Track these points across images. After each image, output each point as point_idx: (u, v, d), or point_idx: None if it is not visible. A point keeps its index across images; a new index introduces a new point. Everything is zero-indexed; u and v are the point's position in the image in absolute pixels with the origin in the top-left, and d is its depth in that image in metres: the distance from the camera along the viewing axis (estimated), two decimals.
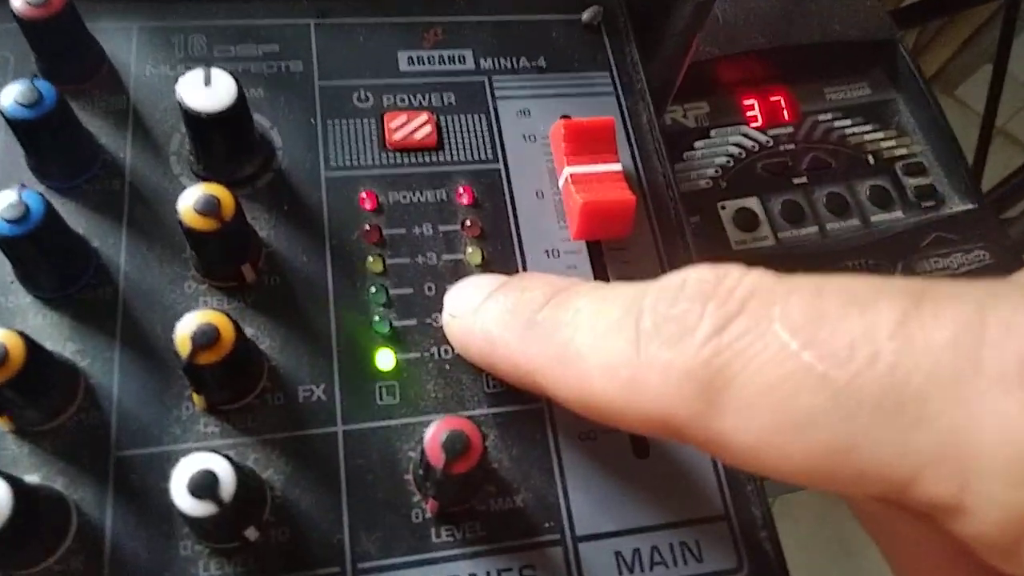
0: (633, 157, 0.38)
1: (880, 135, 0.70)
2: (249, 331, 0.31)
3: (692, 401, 0.21)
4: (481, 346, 0.28)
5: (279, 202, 0.34)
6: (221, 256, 0.31)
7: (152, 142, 0.34)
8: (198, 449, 0.28)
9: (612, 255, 0.36)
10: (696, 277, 0.22)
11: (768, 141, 0.67)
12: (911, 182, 0.67)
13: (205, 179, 0.33)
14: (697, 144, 0.65)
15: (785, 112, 0.69)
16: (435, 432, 0.26)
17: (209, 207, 0.29)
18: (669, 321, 0.22)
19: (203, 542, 0.27)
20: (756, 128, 0.67)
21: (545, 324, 0.26)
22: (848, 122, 0.70)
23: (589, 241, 0.35)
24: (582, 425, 0.31)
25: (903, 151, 0.69)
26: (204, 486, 0.25)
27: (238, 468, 0.25)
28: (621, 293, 0.24)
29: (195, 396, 0.29)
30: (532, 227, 0.35)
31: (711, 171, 0.64)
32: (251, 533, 0.27)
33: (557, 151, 0.36)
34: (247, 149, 0.34)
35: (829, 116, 0.70)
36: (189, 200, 0.29)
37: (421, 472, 0.28)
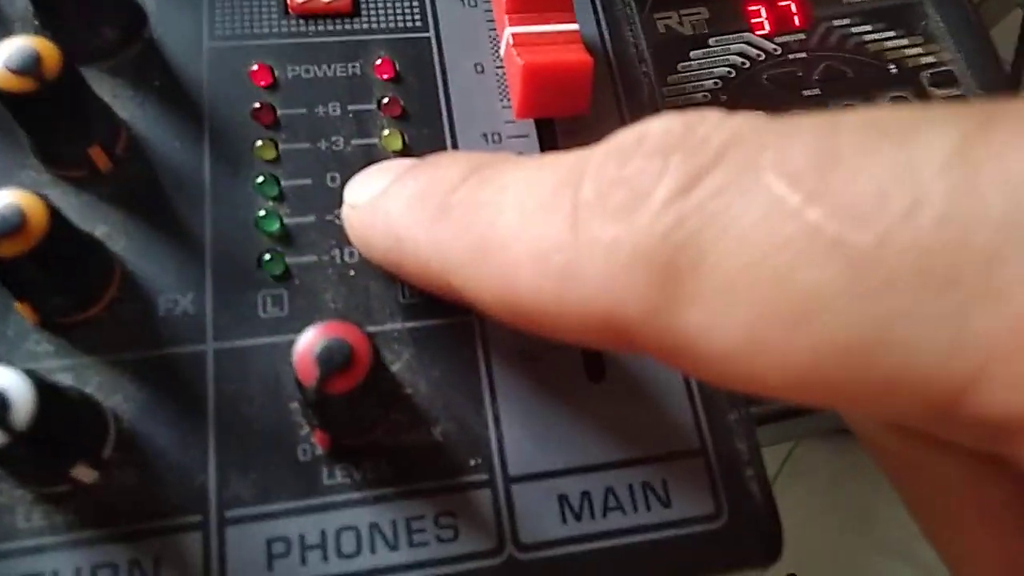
0: (597, 23, 0.31)
1: (904, 41, 0.61)
2: (101, 229, 0.25)
3: (645, 290, 0.15)
4: (384, 242, 0.22)
5: (148, 77, 0.27)
6: (53, 132, 0.24)
7: None
8: (26, 371, 0.22)
9: (568, 140, 0.29)
10: (660, 128, 0.16)
11: (776, 49, 0.59)
12: (939, 93, 0.59)
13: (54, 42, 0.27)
14: (694, 54, 0.57)
15: (796, 18, 0.61)
16: (308, 341, 0.20)
17: (25, 62, 0.22)
18: (617, 186, 0.16)
19: (22, 485, 0.21)
20: (762, 36, 0.59)
21: (461, 207, 0.20)
22: (868, 27, 0.61)
23: (538, 121, 0.29)
24: (523, 341, 0.25)
25: (931, 59, 0.61)
26: None
27: (47, 387, 0.19)
28: (559, 161, 0.18)
29: (19, 306, 0.23)
30: (468, 106, 0.29)
31: (709, 83, 0.56)
32: (84, 473, 0.21)
33: (498, 11, 0.29)
34: (107, 12, 0.27)
35: (846, 21, 0.61)
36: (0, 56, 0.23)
37: (300, 395, 0.22)
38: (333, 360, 0.20)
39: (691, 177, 0.15)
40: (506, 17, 0.28)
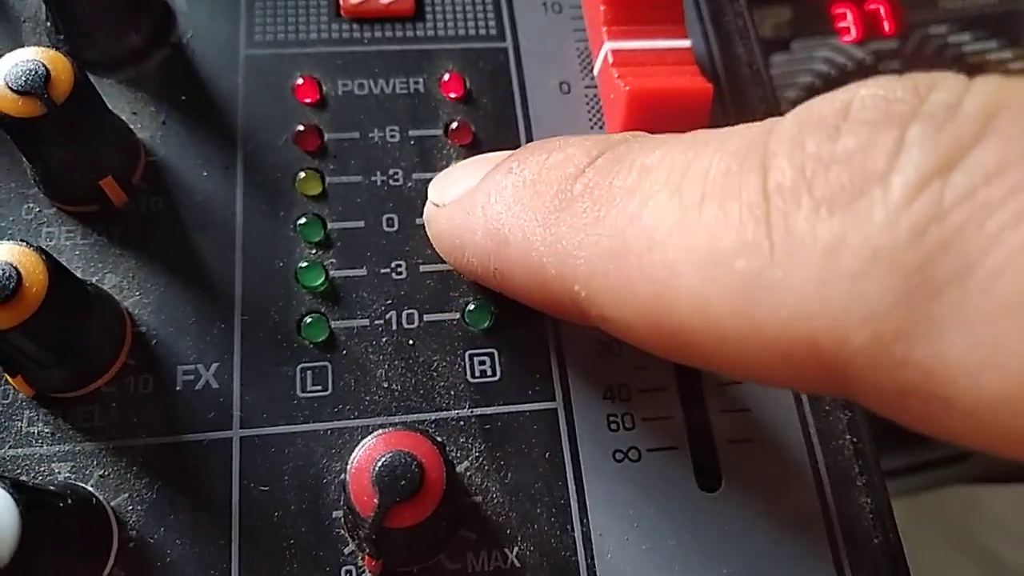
0: (705, 36, 0.26)
1: (1008, 54, 0.55)
2: (111, 279, 0.20)
3: (884, 311, 0.11)
4: (483, 245, 0.18)
5: (174, 90, 0.23)
6: (63, 163, 0.20)
7: None
8: (15, 458, 0.18)
9: None
10: (873, 92, 0.12)
11: (865, 58, 0.53)
12: None
13: (68, 55, 0.22)
14: (775, 59, 0.52)
15: (886, 23, 0.55)
16: (364, 458, 0.16)
17: (30, 82, 0.18)
18: (832, 164, 0.12)
19: None
20: (850, 42, 0.54)
21: (589, 196, 0.15)
22: (967, 36, 0.55)
23: None
24: (616, 442, 0.20)
25: None
26: None
27: (35, 504, 0.15)
28: (727, 135, 0.14)
29: (10, 378, 0.19)
30: (551, 133, 0.23)
31: (792, 93, 0.51)
32: None
33: (593, 20, 0.24)
34: (129, 12, 0.23)
35: (943, 29, 0.55)
36: (0, 72, 0.18)
37: (350, 514, 0.17)
38: (398, 487, 0.15)
39: (948, 153, 0.11)
40: (604, 30, 0.23)
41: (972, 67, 0.55)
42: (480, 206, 0.18)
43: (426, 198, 0.22)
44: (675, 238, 0.13)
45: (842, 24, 0.55)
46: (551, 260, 0.16)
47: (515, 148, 0.23)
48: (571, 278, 0.15)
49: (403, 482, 0.15)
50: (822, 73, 0.52)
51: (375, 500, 0.15)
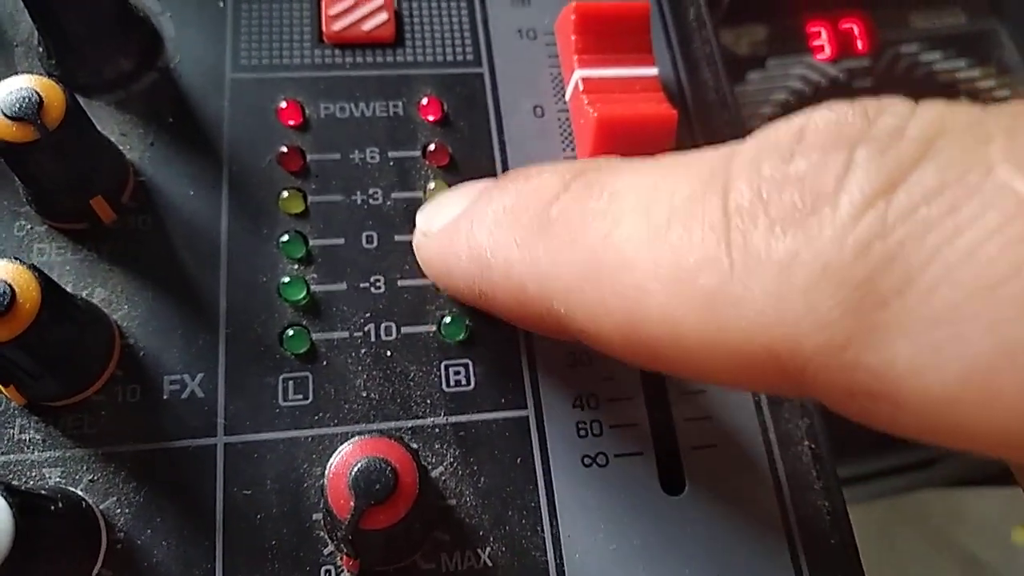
0: (674, 64, 0.27)
1: (977, 72, 0.57)
2: (100, 293, 0.21)
3: (832, 318, 0.12)
4: (469, 269, 0.19)
5: (161, 112, 0.24)
6: (56, 184, 0.21)
7: None
8: (7, 464, 0.19)
9: None
10: (826, 118, 0.13)
11: (839, 76, 0.55)
12: None
13: (58, 79, 0.23)
14: (751, 76, 0.53)
15: (859, 42, 0.56)
16: (341, 464, 0.17)
17: (24, 109, 0.19)
18: (784, 187, 0.13)
19: None
20: (824, 60, 0.55)
21: (564, 219, 0.16)
22: (938, 55, 0.57)
23: None
24: (584, 447, 0.21)
25: (1006, 92, 0.56)
26: None
27: (28, 508, 0.16)
28: (691, 160, 0.15)
29: (2, 388, 0.20)
30: (525, 156, 0.25)
31: (767, 109, 0.52)
32: None
33: (565, 49, 0.25)
34: (119, 37, 0.24)
35: (915, 47, 0.57)
36: None
37: (328, 517, 0.18)
38: (373, 491, 0.16)
39: (891, 174, 0.12)
40: (575, 58, 0.24)
41: (942, 85, 0.56)
42: (464, 233, 0.19)
43: (404, 217, 0.23)
44: (644, 258, 0.14)
45: (816, 42, 0.56)
46: (531, 280, 0.17)
47: (491, 170, 0.25)
48: (550, 297, 0.16)
49: (378, 486, 0.16)
50: (796, 90, 0.53)
51: (351, 503, 0.16)
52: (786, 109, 0.52)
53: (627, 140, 0.23)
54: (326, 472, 0.17)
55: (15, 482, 0.19)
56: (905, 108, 0.13)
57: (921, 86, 0.55)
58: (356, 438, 0.17)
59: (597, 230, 0.15)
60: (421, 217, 0.22)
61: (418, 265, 0.23)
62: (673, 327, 0.14)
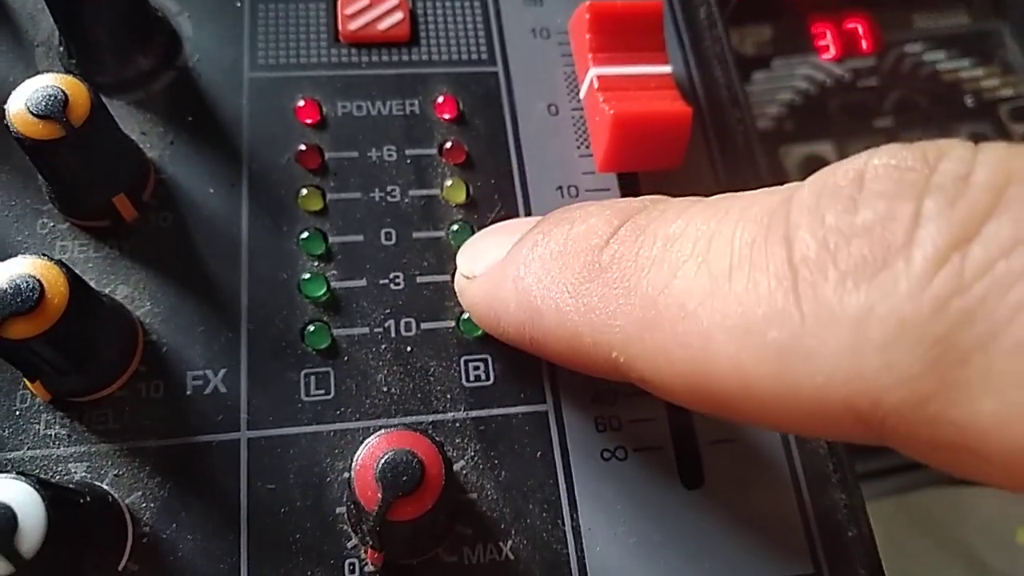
0: (686, 63, 0.27)
1: (980, 71, 0.57)
2: (122, 290, 0.21)
3: (912, 373, 0.12)
4: (518, 315, 0.18)
5: (181, 111, 0.24)
6: (79, 181, 0.21)
7: (13, 29, 0.25)
8: (33, 459, 0.19)
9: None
10: (884, 163, 0.13)
11: (844, 75, 0.55)
12: (1019, 129, 0.55)
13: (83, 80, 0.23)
14: (756, 76, 0.54)
15: (864, 42, 0.57)
16: (368, 456, 0.17)
17: (50, 107, 0.19)
18: (852, 238, 0.13)
19: None
20: (829, 60, 0.55)
21: (618, 266, 0.16)
22: (941, 54, 0.57)
23: (621, 175, 0.25)
24: (603, 442, 0.21)
25: (1009, 91, 0.57)
26: None
27: (58, 501, 0.16)
28: (744, 204, 0.15)
29: (29, 383, 0.20)
30: (540, 154, 0.25)
31: (773, 109, 0.53)
32: None
33: (579, 47, 0.26)
34: (139, 37, 0.24)
35: (918, 47, 0.57)
36: (22, 97, 0.20)
37: (354, 509, 0.18)
38: (400, 482, 0.16)
39: (964, 227, 0.12)
40: (589, 56, 0.24)
41: (946, 84, 0.57)
42: (511, 279, 0.18)
43: (422, 214, 0.24)
44: (707, 308, 0.14)
45: (821, 42, 0.56)
46: (586, 329, 0.16)
47: (507, 166, 0.25)
48: (607, 345, 0.16)
49: (405, 478, 0.16)
50: (802, 90, 0.54)
51: (379, 495, 0.16)
52: (792, 108, 0.53)
53: (642, 137, 0.23)
54: (353, 465, 0.17)
55: (41, 475, 0.19)
56: (966, 152, 0.13)
57: (925, 85, 0.56)
58: (382, 431, 0.17)
59: (654, 280, 0.15)
60: (462, 259, 0.21)
61: (436, 261, 0.23)
62: (743, 379, 0.14)
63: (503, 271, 0.19)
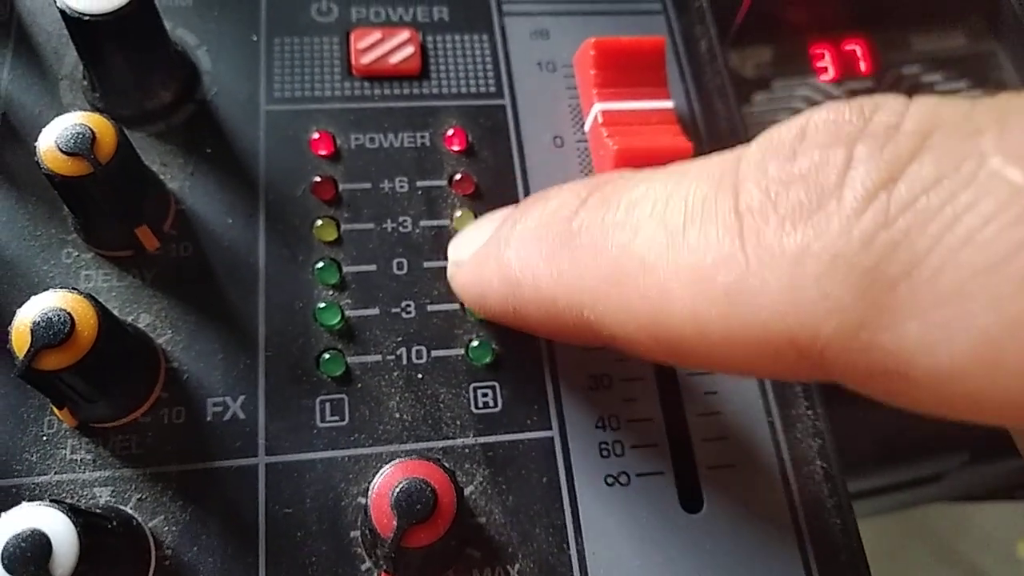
0: (687, 96, 0.28)
1: (977, 93, 0.58)
2: (145, 319, 0.22)
3: (845, 304, 0.13)
4: (501, 290, 0.20)
5: (200, 143, 0.25)
6: (104, 214, 0.22)
7: (38, 62, 0.26)
8: (60, 483, 0.20)
9: None
10: (824, 117, 0.14)
11: (842, 96, 0.56)
12: None
13: (101, 111, 0.24)
14: (756, 98, 0.54)
15: (862, 63, 0.57)
16: (384, 484, 0.17)
17: (79, 145, 0.20)
18: (790, 184, 0.14)
19: None
20: (827, 81, 0.56)
21: (586, 232, 0.17)
22: (938, 76, 0.58)
23: None
24: (607, 467, 0.22)
25: None
26: (26, 558, 0.16)
27: (89, 527, 0.17)
28: (700, 166, 0.16)
29: (57, 410, 0.21)
30: (546, 184, 0.25)
31: None
32: None
33: (584, 82, 0.27)
34: (159, 71, 0.25)
35: (916, 69, 0.58)
36: (52, 135, 0.20)
37: (369, 535, 0.19)
38: (414, 510, 0.17)
39: (890, 168, 0.13)
40: (594, 91, 0.25)
41: None
42: (493, 257, 0.20)
43: (432, 244, 0.24)
44: (664, 261, 0.15)
45: (820, 64, 0.57)
46: (560, 292, 0.18)
47: (514, 197, 0.26)
48: (579, 305, 0.17)
49: (419, 506, 0.17)
50: (801, 111, 0.55)
51: (394, 522, 0.17)
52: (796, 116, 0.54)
53: None
54: (369, 492, 0.18)
55: (68, 501, 0.20)
56: (899, 104, 0.14)
57: None
58: (397, 460, 0.18)
59: (618, 239, 0.16)
60: (452, 249, 0.23)
61: (447, 290, 0.24)
62: (697, 323, 0.15)
63: (486, 252, 0.20)
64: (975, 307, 0.11)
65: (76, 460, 0.21)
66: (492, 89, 0.27)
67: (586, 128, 0.26)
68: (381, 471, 0.18)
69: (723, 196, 0.15)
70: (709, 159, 0.16)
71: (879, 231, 0.12)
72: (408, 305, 0.23)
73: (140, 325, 0.22)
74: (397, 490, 0.17)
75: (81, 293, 0.19)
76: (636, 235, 0.16)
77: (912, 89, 0.58)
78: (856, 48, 0.58)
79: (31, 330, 0.18)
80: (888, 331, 0.12)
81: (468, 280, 0.21)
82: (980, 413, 0.12)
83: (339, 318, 0.23)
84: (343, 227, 0.24)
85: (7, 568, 0.16)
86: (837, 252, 0.13)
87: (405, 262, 0.24)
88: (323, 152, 0.25)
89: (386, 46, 0.27)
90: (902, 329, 0.12)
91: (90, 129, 0.20)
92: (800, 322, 0.13)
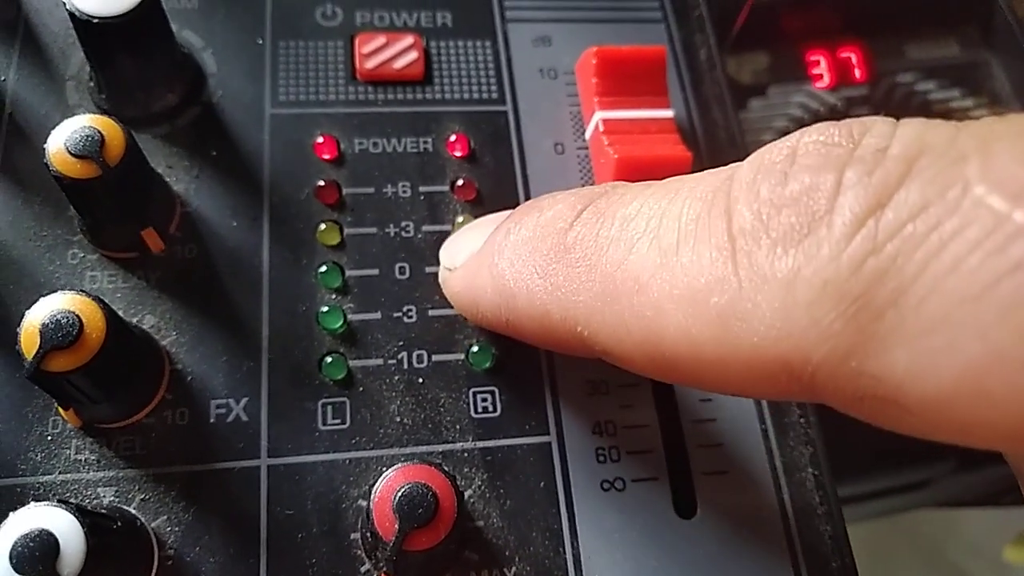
0: (687, 104, 0.29)
1: (970, 102, 0.59)
2: (149, 320, 0.23)
3: (835, 329, 0.13)
4: (494, 299, 0.20)
5: (205, 146, 0.25)
6: (111, 216, 0.22)
7: (45, 63, 0.26)
8: (64, 483, 0.20)
9: None
10: (815, 139, 0.14)
11: (837, 104, 0.56)
12: None
13: (108, 112, 0.25)
14: (753, 104, 0.55)
15: (857, 71, 0.58)
16: (386, 488, 0.18)
17: (87, 147, 0.20)
18: (782, 208, 0.14)
19: None
20: (823, 88, 0.57)
21: (580, 246, 0.17)
22: (932, 84, 0.59)
23: None
24: (603, 472, 0.23)
25: None
26: (34, 558, 0.16)
27: (95, 528, 0.17)
28: (693, 184, 0.16)
29: (62, 410, 0.21)
30: (547, 190, 0.26)
31: (768, 136, 0.54)
32: None
33: (586, 90, 0.27)
34: (165, 73, 0.25)
35: (910, 77, 0.59)
36: (61, 137, 0.21)
37: (370, 537, 0.19)
38: (415, 514, 0.17)
39: (878, 194, 0.13)
40: (595, 100, 0.26)
41: (936, 114, 0.58)
42: (487, 267, 0.20)
43: (434, 249, 0.25)
44: (658, 280, 0.15)
45: (816, 71, 0.58)
46: (554, 307, 0.18)
47: (515, 203, 0.26)
48: (573, 320, 0.17)
49: (420, 510, 0.17)
50: (796, 117, 0.55)
51: (395, 526, 0.17)
52: (786, 136, 0.54)
53: (644, 179, 0.24)
54: (371, 496, 0.18)
55: (72, 500, 0.20)
56: (886, 128, 0.14)
57: (916, 114, 0.57)
58: (398, 464, 0.19)
59: (612, 256, 0.17)
60: (444, 253, 0.23)
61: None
62: (690, 343, 0.15)
63: (480, 260, 0.21)
64: (961, 335, 0.12)
65: (80, 460, 0.21)
66: (494, 95, 0.28)
67: (587, 136, 0.27)
68: (383, 475, 0.18)
69: (716, 216, 0.15)
70: (702, 176, 0.16)
71: (867, 257, 0.13)
72: (410, 309, 0.24)
73: (145, 327, 0.22)
74: (399, 494, 0.17)
75: (89, 295, 0.19)
76: (630, 252, 0.16)
77: (906, 97, 0.58)
78: (851, 56, 0.59)
79: (40, 332, 0.18)
80: (877, 358, 0.13)
81: (461, 287, 0.22)
82: (970, 439, 0.12)
83: (341, 322, 0.23)
84: (346, 231, 0.25)
85: (15, 567, 0.16)
86: (827, 278, 0.13)
87: (407, 267, 0.24)
88: (327, 156, 0.26)
89: (390, 51, 0.27)
90: (890, 356, 0.12)
91: (99, 132, 0.21)
92: (791, 346, 0.13)
